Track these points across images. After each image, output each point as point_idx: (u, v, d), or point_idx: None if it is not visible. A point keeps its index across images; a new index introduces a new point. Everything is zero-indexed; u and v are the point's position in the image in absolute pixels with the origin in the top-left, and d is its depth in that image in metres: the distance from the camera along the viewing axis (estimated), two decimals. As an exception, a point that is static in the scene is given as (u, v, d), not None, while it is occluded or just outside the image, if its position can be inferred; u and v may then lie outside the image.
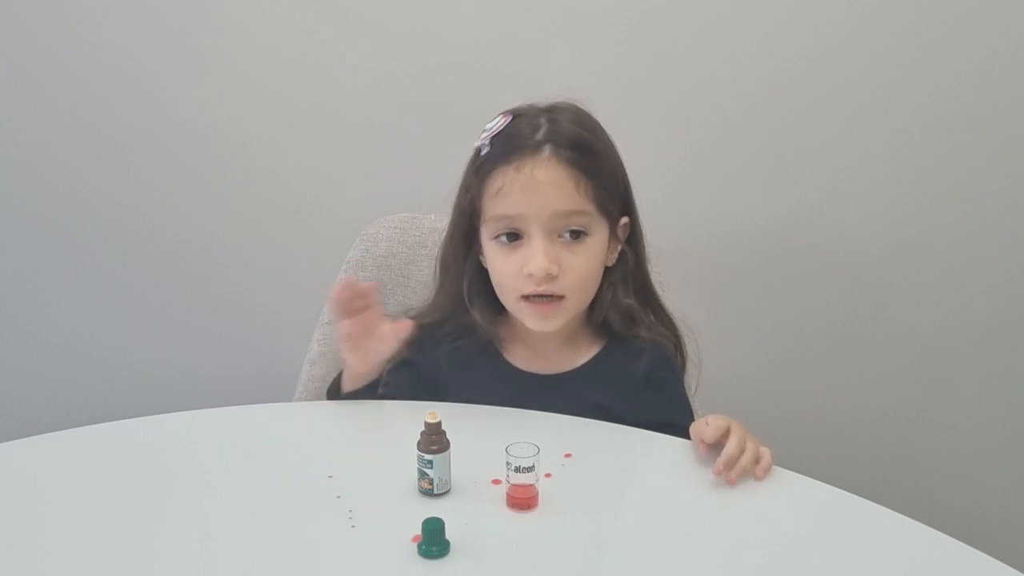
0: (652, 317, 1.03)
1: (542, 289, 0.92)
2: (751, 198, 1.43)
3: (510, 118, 0.96)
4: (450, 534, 0.72)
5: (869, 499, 0.80)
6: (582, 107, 0.99)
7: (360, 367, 0.95)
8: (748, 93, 1.38)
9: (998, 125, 1.37)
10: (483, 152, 0.95)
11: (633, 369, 0.99)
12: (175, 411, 0.94)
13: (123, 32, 1.43)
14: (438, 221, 1.05)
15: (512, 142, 0.93)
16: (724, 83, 1.38)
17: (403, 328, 0.92)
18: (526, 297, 0.94)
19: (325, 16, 1.40)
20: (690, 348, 1.06)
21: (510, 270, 0.94)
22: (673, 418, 0.95)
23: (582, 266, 0.94)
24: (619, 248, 1.00)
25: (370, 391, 0.98)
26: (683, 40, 1.37)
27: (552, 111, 0.96)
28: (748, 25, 1.35)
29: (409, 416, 0.92)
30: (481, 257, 0.99)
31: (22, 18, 1.43)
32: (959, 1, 1.32)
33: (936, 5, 1.32)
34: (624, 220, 0.99)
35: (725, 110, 1.39)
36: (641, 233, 1.03)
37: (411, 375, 0.98)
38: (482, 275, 1.00)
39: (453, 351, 1.00)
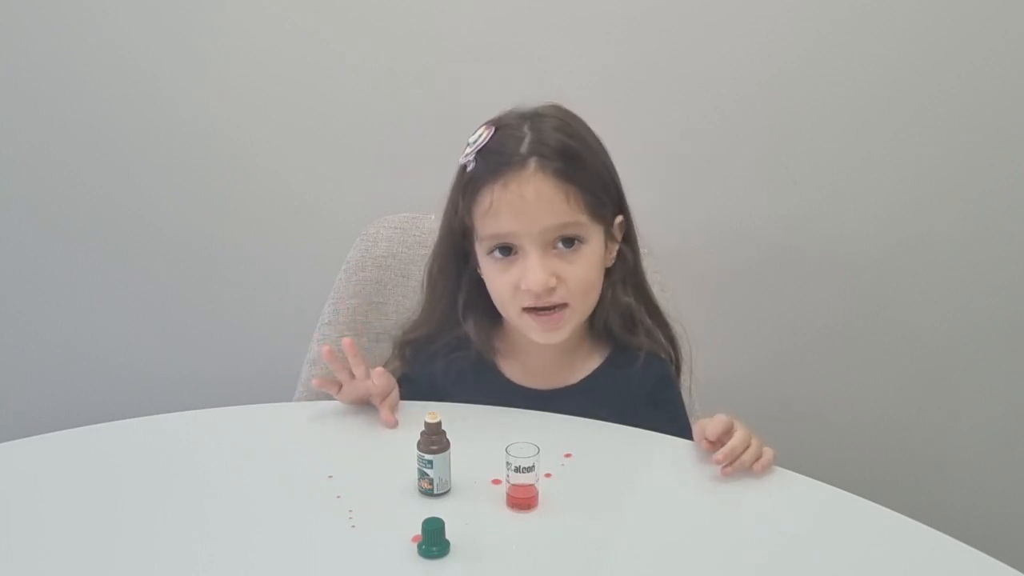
0: (648, 318, 1.02)
1: (543, 303, 0.92)
2: (751, 198, 1.43)
3: (493, 130, 0.94)
4: (450, 534, 0.72)
5: (869, 499, 0.80)
6: (566, 109, 0.97)
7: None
8: (748, 93, 1.38)
9: (998, 125, 1.36)
10: (468, 168, 0.94)
11: (632, 387, 0.99)
12: (175, 411, 0.94)
13: (123, 32, 1.43)
14: (438, 221, 1.06)
15: (497, 158, 0.92)
16: (724, 83, 1.38)
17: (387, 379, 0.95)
18: (528, 309, 0.93)
19: (325, 16, 1.40)
20: (684, 347, 1.06)
21: (507, 285, 0.93)
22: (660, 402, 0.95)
23: (580, 274, 0.93)
24: (616, 248, 0.99)
25: None
26: (683, 40, 1.37)
27: (535, 118, 0.95)
28: (748, 25, 1.35)
29: (409, 416, 0.92)
30: (478, 270, 0.99)
31: (22, 18, 1.43)
32: (959, 1, 1.32)
33: (936, 5, 1.32)
34: (619, 219, 0.98)
35: (725, 110, 1.39)
36: (634, 229, 1.02)
37: (410, 391, 0.98)
38: (477, 289, 0.99)
39: (448, 364, 0.99)
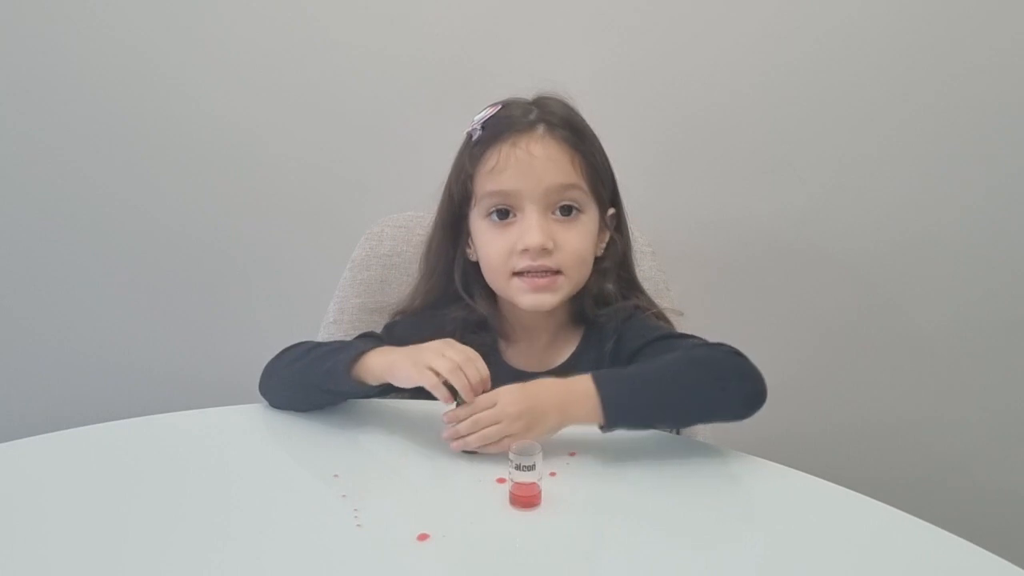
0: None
1: (537, 264, 0.92)
2: (757, 197, 1.43)
3: (499, 107, 0.97)
4: (453, 534, 0.72)
5: (870, 497, 0.80)
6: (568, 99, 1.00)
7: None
8: (753, 91, 1.38)
9: (1007, 120, 1.36)
10: (475, 136, 0.96)
11: (607, 341, 0.98)
12: (176, 411, 0.94)
13: (129, 30, 1.43)
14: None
15: (505, 122, 0.95)
16: (729, 81, 1.38)
17: None
18: (518, 274, 0.93)
19: (330, 16, 1.40)
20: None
21: (502, 248, 0.93)
22: (649, 335, 0.94)
23: (576, 242, 0.94)
24: (607, 237, 1.00)
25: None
26: (687, 38, 1.37)
27: (539, 100, 0.99)
28: (753, 23, 1.36)
29: (412, 415, 0.92)
30: (468, 250, 0.99)
31: (25, 15, 1.43)
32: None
33: (941, 2, 1.32)
34: (612, 211, 1.00)
35: (730, 109, 1.39)
36: (626, 223, 1.03)
37: None
38: (472, 272, 1.00)
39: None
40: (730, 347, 0.89)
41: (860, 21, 1.34)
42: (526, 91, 1.00)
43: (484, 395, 0.83)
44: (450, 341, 0.86)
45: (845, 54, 1.36)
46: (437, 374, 0.82)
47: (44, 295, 1.56)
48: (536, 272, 0.93)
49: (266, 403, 0.96)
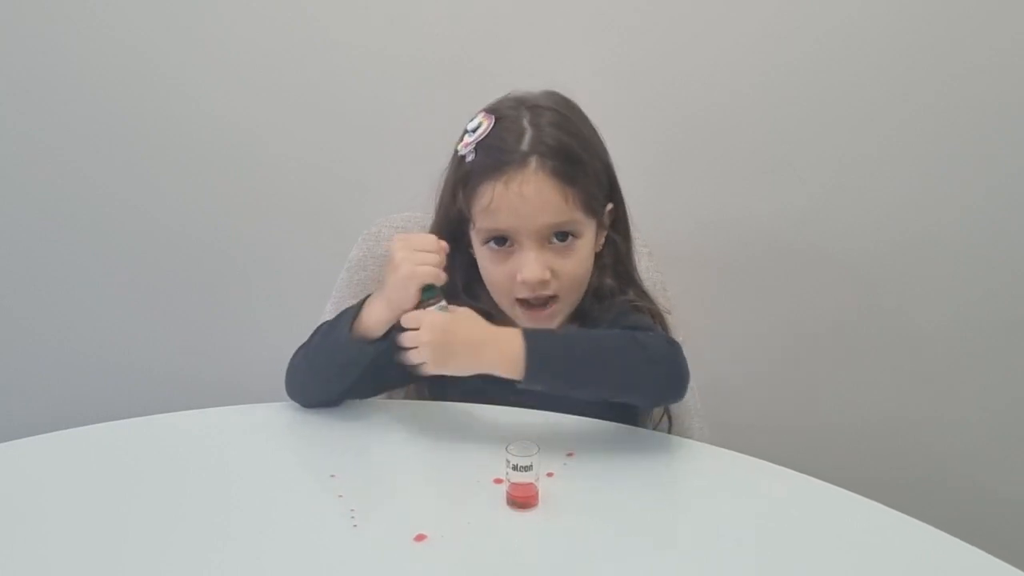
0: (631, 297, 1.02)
1: (536, 294, 0.94)
2: (757, 197, 1.43)
3: (492, 120, 0.95)
4: (451, 533, 0.72)
5: (869, 498, 0.80)
6: (562, 97, 0.98)
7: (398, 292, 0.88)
8: (753, 91, 1.38)
9: (1007, 121, 1.36)
10: (468, 159, 0.95)
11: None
12: (175, 411, 0.94)
13: (129, 32, 1.43)
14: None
15: (498, 154, 0.92)
16: (729, 81, 1.38)
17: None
18: (520, 301, 0.95)
19: (330, 16, 1.40)
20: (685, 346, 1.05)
21: (503, 276, 0.95)
22: (624, 322, 0.94)
23: (574, 268, 0.95)
24: (605, 234, 1.00)
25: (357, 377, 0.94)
26: (687, 38, 1.37)
27: (534, 110, 0.95)
28: (751, 24, 1.36)
29: (410, 416, 0.92)
30: (470, 250, 1.00)
31: (25, 15, 1.43)
32: (965, -1, 1.32)
33: (941, 2, 1.32)
34: (609, 206, 1.00)
35: (730, 109, 1.39)
36: (626, 216, 1.03)
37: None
38: (474, 271, 1.00)
39: None
40: (669, 336, 0.91)
41: (860, 21, 1.34)
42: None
43: (415, 313, 0.85)
44: (396, 246, 0.89)
45: (845, 54, 1.35)
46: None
47: (44, 295, 1.56)
48: (535, 303, 0.95)
49: (266, 403, 0.96)
